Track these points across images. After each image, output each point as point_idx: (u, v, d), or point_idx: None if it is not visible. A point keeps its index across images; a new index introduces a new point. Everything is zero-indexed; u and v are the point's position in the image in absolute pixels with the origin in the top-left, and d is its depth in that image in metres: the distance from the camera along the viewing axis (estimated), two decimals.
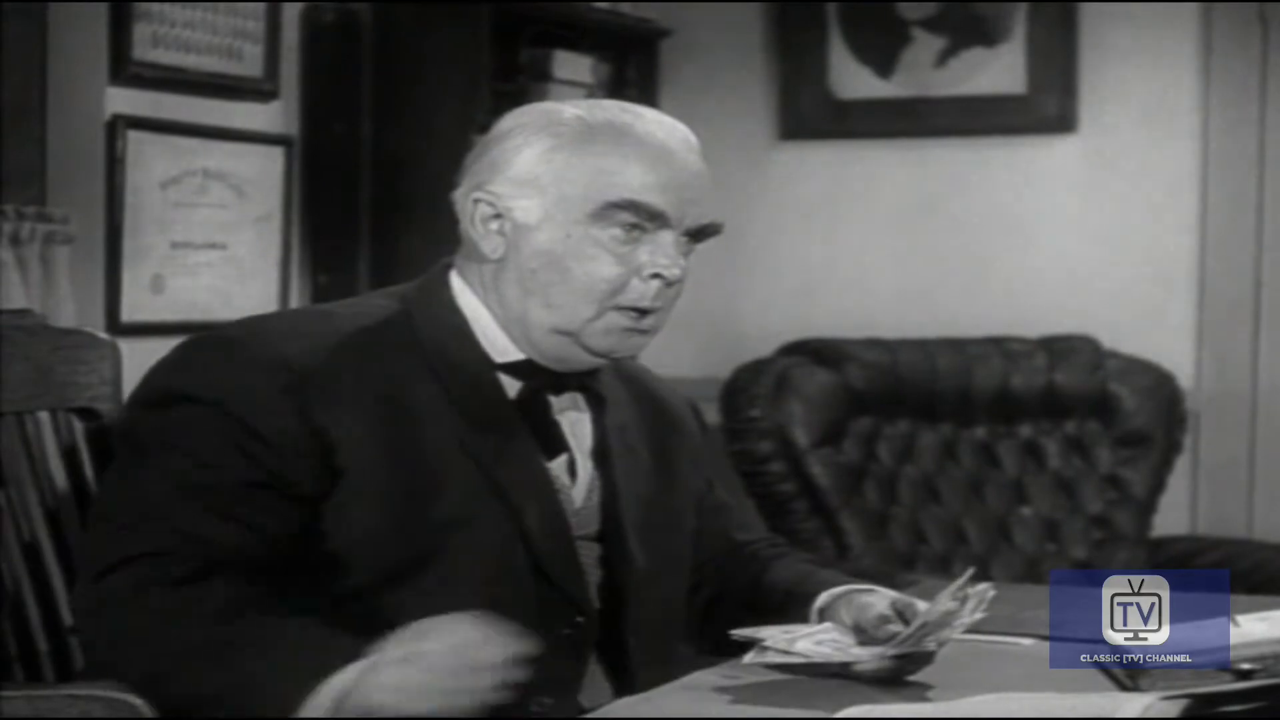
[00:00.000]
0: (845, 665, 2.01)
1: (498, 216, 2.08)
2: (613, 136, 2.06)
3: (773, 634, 2.06)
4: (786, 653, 2.02)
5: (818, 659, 2.02)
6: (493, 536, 2.03)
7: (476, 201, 2.09)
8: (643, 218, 2.04)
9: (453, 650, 1.81)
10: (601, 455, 2.17)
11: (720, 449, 4.19)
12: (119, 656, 1.95)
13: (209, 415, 1.98)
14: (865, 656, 2.01)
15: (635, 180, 2.04)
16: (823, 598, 2.17)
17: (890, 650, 2.00)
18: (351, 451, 1.99)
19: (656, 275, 2.05)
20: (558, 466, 2.12)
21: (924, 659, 2.03)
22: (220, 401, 1.98)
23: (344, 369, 2.02)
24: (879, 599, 2.11)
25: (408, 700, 1.80)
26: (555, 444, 2.13)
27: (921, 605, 2.04)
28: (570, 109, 2.11)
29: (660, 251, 2.05)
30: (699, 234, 2.10)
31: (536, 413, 2.11)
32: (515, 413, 2.10)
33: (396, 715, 1.81)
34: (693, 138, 2.11)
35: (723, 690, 1.99)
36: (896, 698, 1.95)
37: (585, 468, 2.15)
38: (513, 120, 2.12)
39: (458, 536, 2.01)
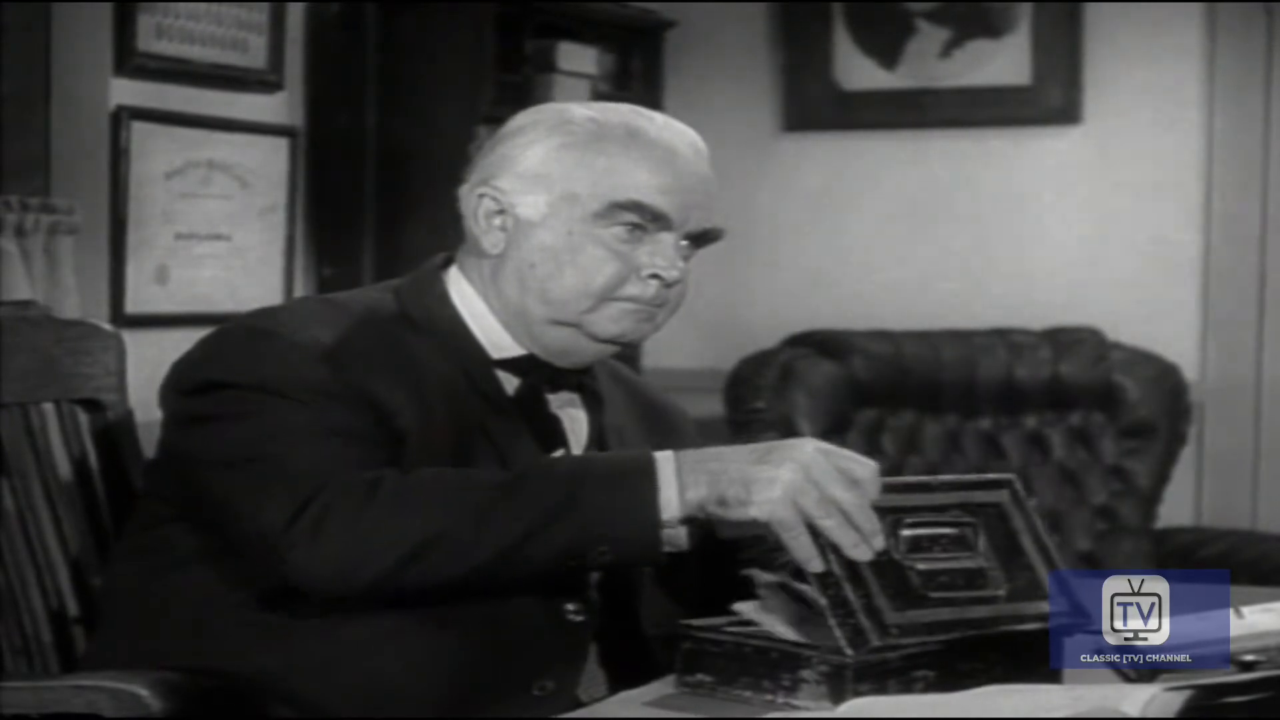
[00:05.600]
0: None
1: (501, 212, 2.09)
2: (623, 138, 2.08)
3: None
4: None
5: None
6: None
7: (481, 196, 2.10)
8: (646, 219, 2.06)
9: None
10: (600, 450, 2.16)
11: (724, 442, 4.19)
12: (382, 543, 1.89)
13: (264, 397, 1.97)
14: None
15: (642, 182, 2.05)
16: None
17: None
18: (405, 418, 1.99)
19: (655, 276, 2.07)
20: None
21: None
22: (277, 388, 1.96)
23: (372, 347, 2.02)
24: None
25: (760, 494, 1.89)
26: (553, 439, 2.13)
27: None
28: (582, 110, 2.13)
29: (659, 253, 2.07)
30: (700, 238, 2.11)
31: (534, 407, 2.12)
32: (512, 406, 2.10)
33: (742, 507, 1.90)
34: (701, 144, 2.13)
35: None
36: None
37: None
38: (524, 118, 2.14)
39: None
